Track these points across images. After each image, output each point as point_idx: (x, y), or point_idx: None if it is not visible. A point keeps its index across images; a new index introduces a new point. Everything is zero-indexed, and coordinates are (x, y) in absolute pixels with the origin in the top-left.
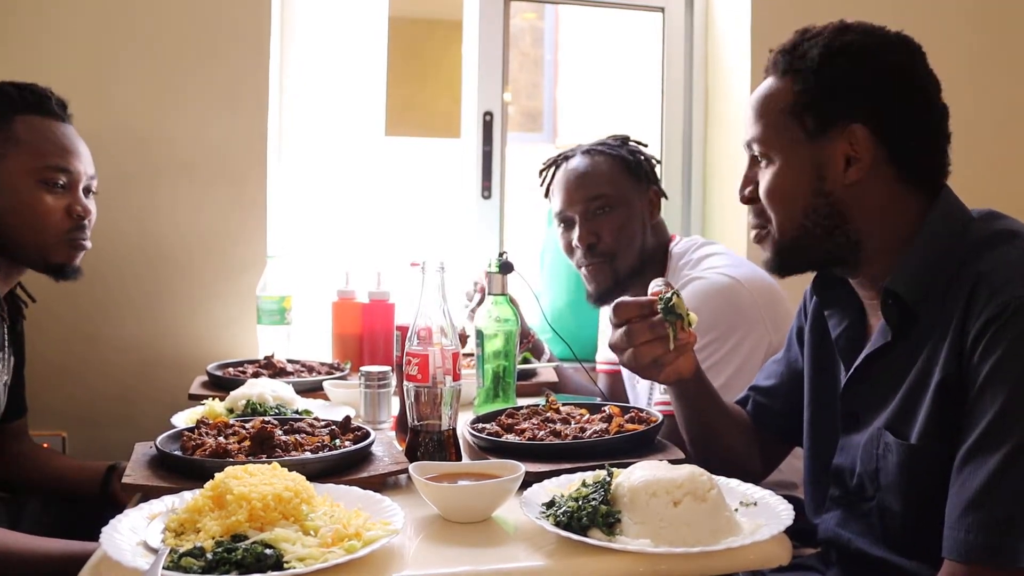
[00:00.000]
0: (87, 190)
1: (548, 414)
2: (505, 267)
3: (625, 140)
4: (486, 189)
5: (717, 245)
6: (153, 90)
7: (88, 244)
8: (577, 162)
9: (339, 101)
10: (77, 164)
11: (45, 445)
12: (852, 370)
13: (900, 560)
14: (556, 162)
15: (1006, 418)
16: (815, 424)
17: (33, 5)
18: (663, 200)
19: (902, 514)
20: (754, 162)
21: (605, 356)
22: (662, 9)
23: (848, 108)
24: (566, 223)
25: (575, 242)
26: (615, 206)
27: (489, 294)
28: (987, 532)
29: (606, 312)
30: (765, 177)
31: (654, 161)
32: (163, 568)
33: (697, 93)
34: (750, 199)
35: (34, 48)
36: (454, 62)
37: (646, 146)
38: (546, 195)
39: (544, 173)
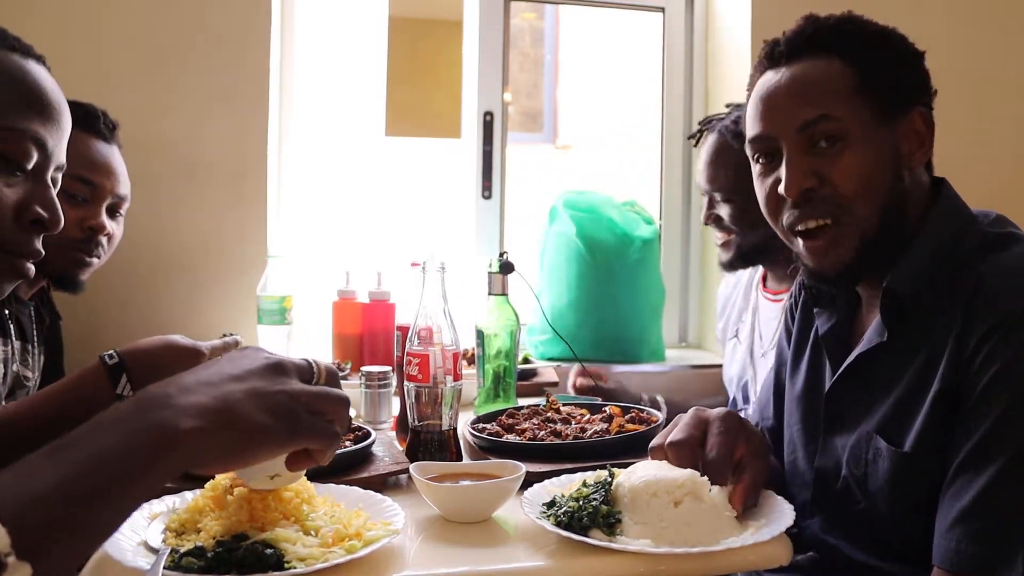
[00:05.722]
0: (112, 209)
1: (548, 414)
2: (505, 267)
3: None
4: (486, 189)
5: None
6: (153, 90)
7: (95, 261)
8: None
9: (339, 101)
10: (103, 180)
11: None
12: (842, 368)
13: (888, 565)
14: None
15: (1003, 430)
16: (797, 426)
17: (29, 5)
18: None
19: (890, 520)
20: (801, 151)
21: None
22: (662, 9)
23: (912, 91)
24: None
25: None
26: None
27: (489, 294)
28: (978, 543)
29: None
30: (843, 161)
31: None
32: (164, 568)
33: (697, 93)
34: (810, 189)
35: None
36: (454, 62)
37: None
38: None
39: None
